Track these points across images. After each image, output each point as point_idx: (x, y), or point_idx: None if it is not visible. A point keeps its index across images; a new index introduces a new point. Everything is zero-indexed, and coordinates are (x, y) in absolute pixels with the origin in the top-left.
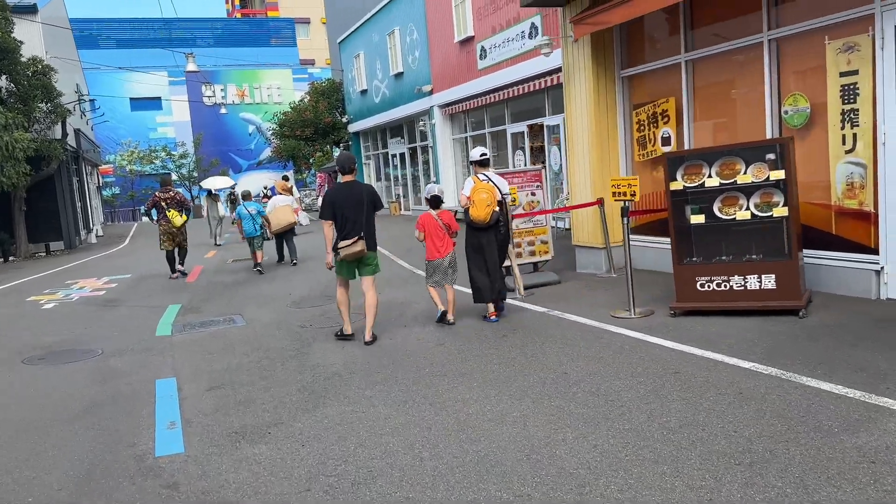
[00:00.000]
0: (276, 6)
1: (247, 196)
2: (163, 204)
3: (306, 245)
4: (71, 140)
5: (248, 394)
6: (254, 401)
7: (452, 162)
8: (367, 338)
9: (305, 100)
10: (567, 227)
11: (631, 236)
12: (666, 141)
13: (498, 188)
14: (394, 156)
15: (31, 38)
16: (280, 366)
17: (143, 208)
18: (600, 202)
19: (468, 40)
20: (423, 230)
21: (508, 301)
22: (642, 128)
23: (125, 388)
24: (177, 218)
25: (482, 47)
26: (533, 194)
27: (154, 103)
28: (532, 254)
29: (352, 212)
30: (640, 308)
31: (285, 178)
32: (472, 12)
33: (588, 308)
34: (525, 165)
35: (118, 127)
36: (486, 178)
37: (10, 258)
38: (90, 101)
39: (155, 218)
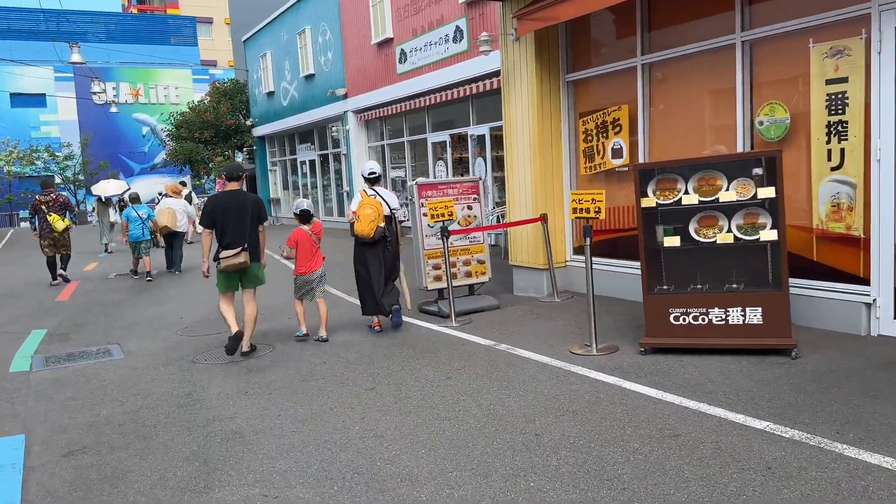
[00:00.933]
0: (177, 4)
1: (135, 199)
2: (43, 208)
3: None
4: None
5: (118, 464)
6: (125, 475)
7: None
8: (245, 348)
9: (206, 100)
10: (494, 242)
11: (573, 256)
12: (617, 153)
13: (387, 203)
14: (303, 163)
15: None
16: (164, 419)
17: (27, 214)
18: (543, 218)
19: (386, 42)
20: (294, 246)
21: (445, 332)
22: (589, 138)
23: None
24: (58, 222)
25: (402, 50)
26: (469, 208)
27: (37, 100)
28: (468, 274)
29: (236, 222)
30: (602, 343)
31: (182, 184)
32: (391, 13)
33: (539, 341)
34: (447, 176)
35: None
36: (374, 193)
37: None
38: None
39: (36, 223)
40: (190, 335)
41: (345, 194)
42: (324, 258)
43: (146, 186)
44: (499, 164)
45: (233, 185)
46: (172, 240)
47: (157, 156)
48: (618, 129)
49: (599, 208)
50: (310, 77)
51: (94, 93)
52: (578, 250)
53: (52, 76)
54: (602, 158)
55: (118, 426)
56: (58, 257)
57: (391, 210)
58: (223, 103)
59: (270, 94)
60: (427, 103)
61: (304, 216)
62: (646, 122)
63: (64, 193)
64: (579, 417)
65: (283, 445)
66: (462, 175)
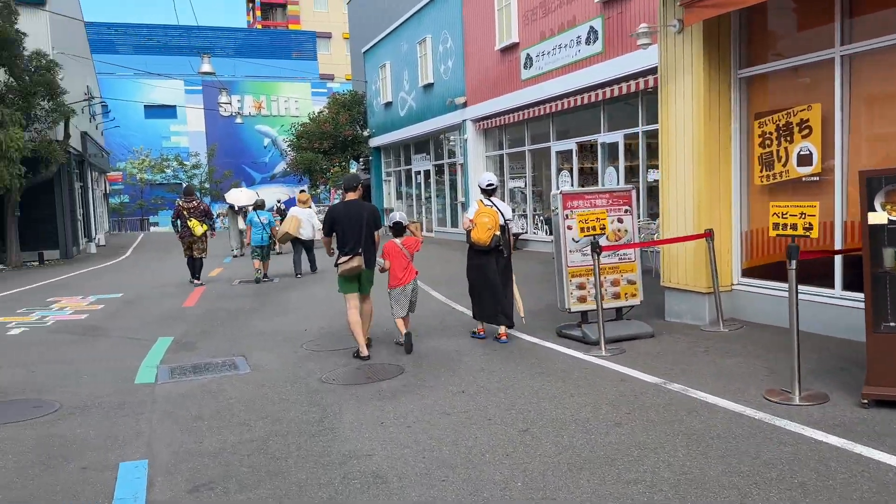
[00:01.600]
0: (298, 19)
1: (260, 205)
2: (185, 213)
3: (329, 263)
4: (76, 143)
5: None
6: None
7: None
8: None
9: (325, 111)
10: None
11: (741, 279)
12: (804, 160)
13: (501, 213)
14: (417, 173)
15: (36, 31)
16: (296, 451)
17: (171, 217)
18: (709, 234)
19: (511, 48)
20: (388, 258)
21: (595, 362)
22: (768, 142)
23: (71, 479)
24: (196, 227)
25: (527, 55)
26: (620, 221)
27: (169, 111)
28: (615, 296)
29: (352, 229)
30: (805, 390)
31: (302, 192)
32: (517, 16)
33: (720, 382)
34: (572, 186)
35: (131, 135)
36: (490, 203)
37: (0, 267)
38: (102, 105)
39: (179, 227)
40: (315, 350)
41: (459, 205)
42: (416, 272)
43: (265, 195)
44: (632, 174)
45: (350, 196)
46: (303, 245)
47: (277, 166)
48: (806, 131)
49: (811, 224)
50: (428, 86)
51: (221, 104)
52: (749, 272)
53: (183, 89)
54: (784, 166)
55: (246, 456)
56: (194, 260)
57: (505, 220)
58: (342, 114)
59: (388, 104)
60: (552, 110)
61: (397, 228)
62: (845, 123)
63: (205, 202)
64: (811, 493)
65: (434, 499)
66: (586, 185)
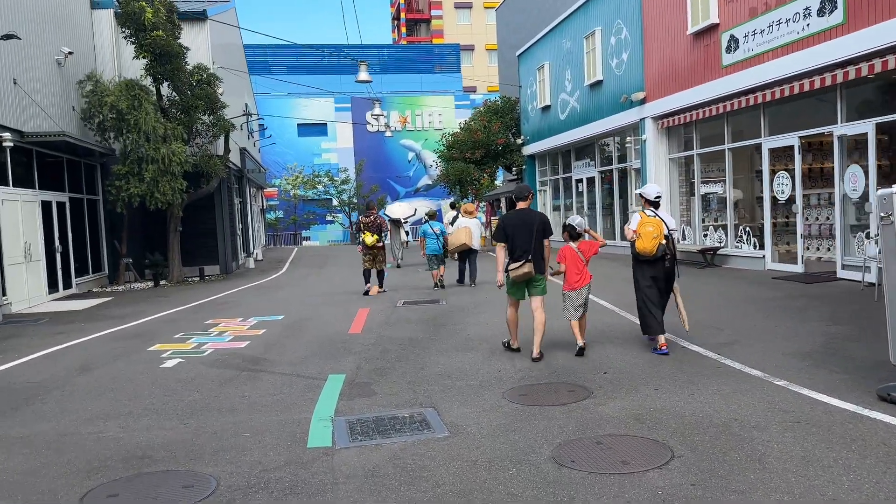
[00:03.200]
0: (442, 33)
1: (433, 216)
2: (362, 226)
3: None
4: (235, 158)
5: None
6: None
7: (667, 188)
8: (535, 354)
9: (477, 119)
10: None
11: None
12: None
13: (665, 223)
14: (579, 181)
15: (197, 45)
16: None
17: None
18: None
19: (708, 30)
20: (564, 262)
21: None
22: None
23: None
24: (368, 238)
25: (731, 37)
26: None
27: (320, 129)
28: None
29: (523, 237)
30: None
31: (469, 203)
32: None
33: None
34: (787, 193)
35: (285, 152)
36: (653, 213)
37: (162, 282)
38: (260, 124)
39: (360, 239)
40: (524, 403)
41: (632, 215)
42: (591, 276)
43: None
44: (884, 175)
45: (521, 205)
46: (468, 255)
47: (421, 179)
48: None
49: None
50: (596, 84)
51: (374, 115)
52: None
53: (333, 106)
54: None
55: None
56: (373, 272)
57: (669, 230)
58: (494, 122)
59: (546, 108)
60: (766, 99)
61: (571, 232)
62: None
63: (382, 216)
64: None
65: None
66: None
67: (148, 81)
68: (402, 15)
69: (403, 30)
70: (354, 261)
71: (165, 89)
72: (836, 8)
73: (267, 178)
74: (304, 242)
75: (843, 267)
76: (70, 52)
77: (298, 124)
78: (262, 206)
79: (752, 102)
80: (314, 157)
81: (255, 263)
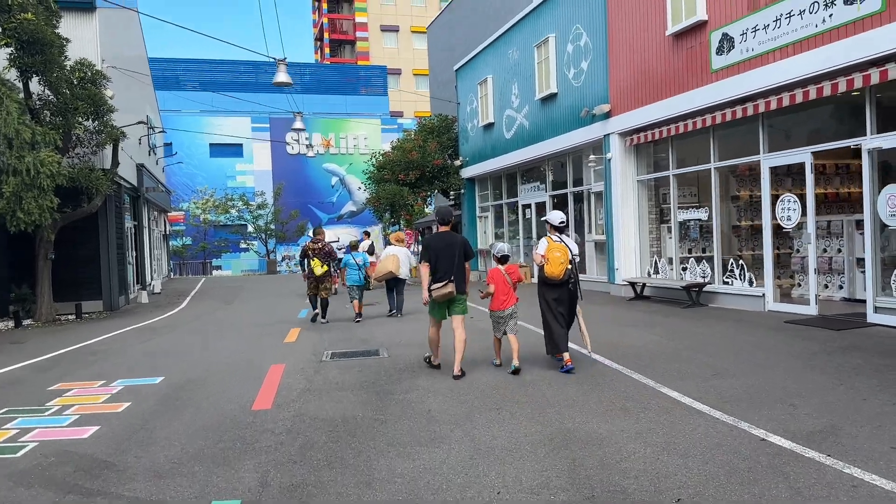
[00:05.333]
0: (368, 55)
1: (354, 246)
2: (309, 252)
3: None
4: (128, 174)
5: None
6: None
7: (635, 214)
8: (456, 371)
9: (411, 139)
10: None
11: None
12: None
13: (570, 249)
14: (527, 206)
15: (82, 39)
16: None
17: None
18: None
19: (694, 29)
20: (492, 283)
21: None
22: None
23: None
24: (317, 267)
25: (724, 36)
26: None
27: (235, 150)
28: None
29: (446, 258)
30: None
31: (367, 234)
32: None
33: None
34: (795, 219)
35: (195, 173)
36: (559, 239)
37: (26, 322)
38: (166, 144)
39: (305, 266)
40: None
41: (593, 245)
42: (517, 299)
43: (332, 237)
44: None
45: (444, 228)
46: (395, 285)
47: (345, 206)
48: None
49: None
50: (549, 98)
51: (296, 129)
52: None
53: (249, 126)
54: None
55: None
56: (318, 300)
57: (573, 255)
58: (430, 141)
59: (488, 126)
60: (767, 108)
61: (503, 258)
62: None
63: (331, 244)
64: None
65: None
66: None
67: (13, 75)
68: (326, 35)
69: (327, 50)
70: (270, 293)
71: (36, 86)
72: None
73: (173, 201)
74: (215, 272)
75: (877, 310)
76: None
77: (211, 144)
78: (166, 231)
79: (749, 112)
80: (228, 179)
81: (150, 297)
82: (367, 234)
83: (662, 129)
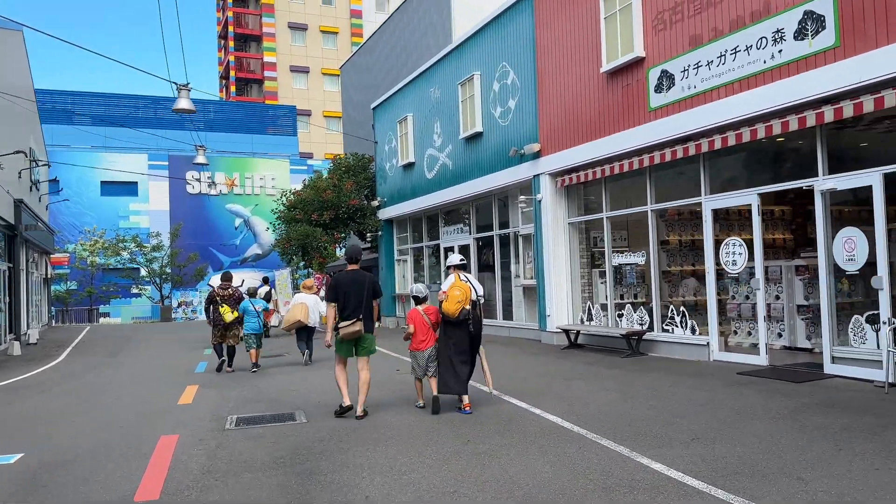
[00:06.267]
0: (276, 95)
1: (253, 293)
2: (217, 298)
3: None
4: (2, 209)
5: None
6: None
7: (567, 258)
8: (359, 412)
9: (326, 178)
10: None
11: None
12: None
13: (474, 289)
14: (449, 249)
15: None
16: None
17: (203, 304)
18: None
19: (630, 67)
20: (412, 324)
21: None
22: None
23: None
24: (228, 314)
25: (663, 73)
26: None
27: (129, 188)
28: None
29: (354, 296)
30: None
31: (265, 280)
32: (642, 22)
33: None
34: (741, 264)
35: (84, 213)
36: (465, 279)
37: None
38: (52, 180)
39: (211, 313)
40: None
41: (521, 290)
42: (436, 338)
43: (236, 282)
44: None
45: (352, 267)
46: (305, 333)
47: (250, 248)
48: None
49: None
50: (474, 137)
51: (197, 163)
52: None
53: (146, 163)
54: None
55: None
56: (225, 348)
57: (477, 296)
58: (346, 180)
59: (408, 166)
60: (711, 147)
61: (417, 300)
62: None
63: (240, 289)
64: None
65: None
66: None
67: None
68: (233, 73)
69: (233, 89)
70: (164, 343)
71: None
72: (823, 28)
73: (57, 242)
74: (102, 319)
75: (834, 360)
76: None
77: (103, 182)
78: (47, 275)
79: (691, 152)
80: (120, 219)
81: (23, 349)
82: (266, 279)
83: (596, 170)
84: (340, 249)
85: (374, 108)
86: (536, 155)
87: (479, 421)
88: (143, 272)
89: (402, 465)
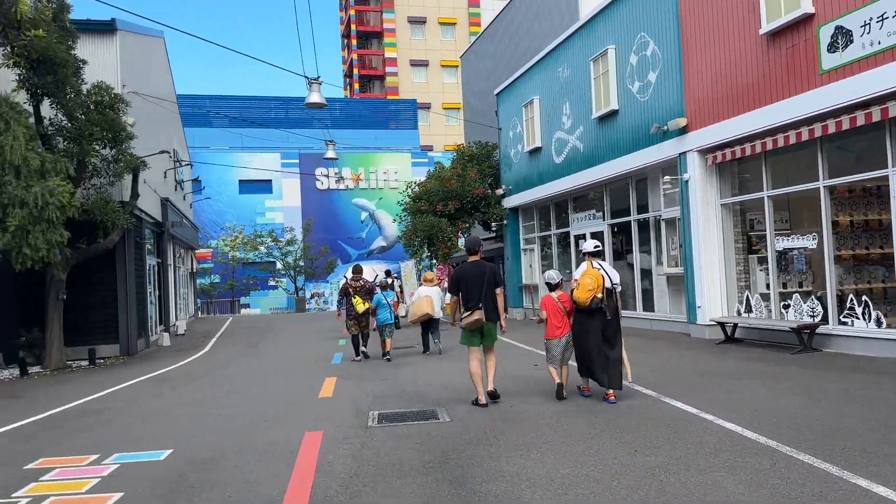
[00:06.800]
0: (397, 90)
1: (385, 286)
2: (350, 290)
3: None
4: (151, 208)
5: None
6: None
7: (719, 243)
8: (490, 387)
9: (444, 167)
10: None
11: None
12: None
13: (608, 277)
14: (580, 237)
15: (103, 62)
16: None
17: (337, 296)
18: None
19: (796, 26)
20: (545, 310)
21: None
22: None
23: None
24: (359, 305)
25: (838, 30)
26: None
27: (264, 186)
28: None
29: (475, 287)
30: None
31: (388, 273)
32: None
33: None
34: None
35: (225, 210)
36: (598, 266)
37: (34, 369)
38: (194, 180)
39: (343, 304)
40: None
41: (665, 278)
42: (571, 326)
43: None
44: None
45: (473, 258)
46: (430, 325)
47: (375, 241)
48: None
49: None
50: (608, 116)
51: (328, 157)
52: None
53: (279, 162)
54: None
55: None
56: (360, 336)
57: (612, 284)
58: (470, 169)
59: (534, 151)
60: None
61: (550, 286)
62: None
63: (371, 281)
64: None
65: None
66: None
67: (23, 98)
68: (356, 71)
69: (356, 86)
70: (300, 334)
71: (48, 110)
72: None
73: (201, 238)
74: (243, 310)
75: None
76: None
77: (240, 181)
78: (193, 269)
79: (875, 118)
80: (257, 216)
81: (173, 339)
82: (389, 272)
83: (755, 144)
84: (463, 240)
85: (497, 94)
86: (682, 131)
87: (640, 426)
88: (279, 265)
89: (563, 478)
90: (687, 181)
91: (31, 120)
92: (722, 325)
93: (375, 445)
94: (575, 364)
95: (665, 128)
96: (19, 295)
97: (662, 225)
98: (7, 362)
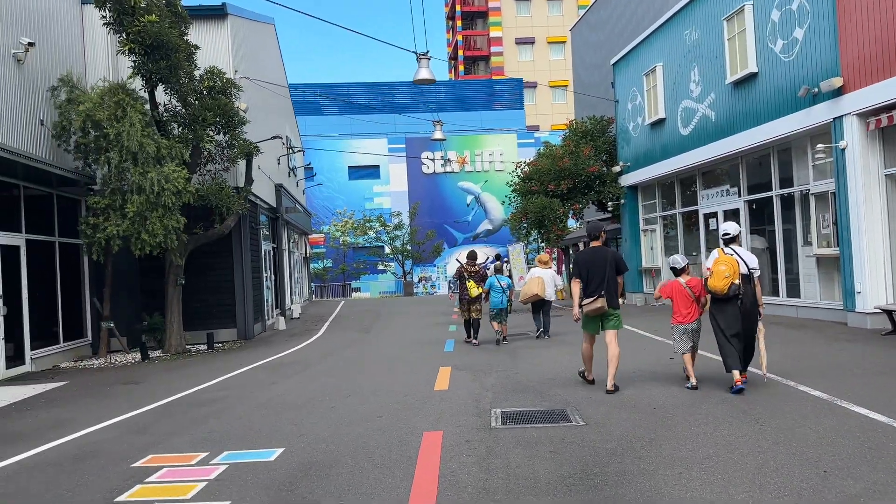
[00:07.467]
0: (502, 70)
1: (499, 270)
2: (465, 275)
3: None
4: (266, 194)
5: None
6: None
7: (882, 219)
8: (609, 387)
9: (562, 144)
10: None
11: None
12: None
13: (744, 262)
14: (710, 216)
15: (215, 47)
16: None
17: (452, 279)
18: None
19: None
20: (667, 296)
21: None
22: None
23: None
24: (473, 289)
25: None
26: None
27: (372, 171)
28: None
29: (597, 273)
30: None
31: (497, 257)
32: None
33: None
34: None
35: (335, 196)
36: (731, 251)
37: (155, 353)
38: (306, 167)
39: (456, 287)
40: None
41: (815, 260)
42: (701, 312)
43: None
44: None
45: (595, 243)
46: (542, 307)
47: (481, 225)
48: None
49: None
50: (746, 80)
51: (435, 139)
52: None
53: (386, 147)
54: None
55: None
56: (471, 323)
57: (749, 269)
58: (583, 146)
59: (657, 123)
60: None
61: (676, 271)
62: None
63: (483, 265)
64: None
65: None
66: None
67: (138, 84)
68: (460, 52)
69: (461, 68)
70: (410, 318)
71: (162, 96)
72: None
73: (313, 224)
74: (354, 294)
75: None
76: (31, 44)
77: (349, 167)
78: (307, 254)
79: None
80: (365, 201)
81: (288, 323)
82: (499, 255)
83: None
84: (576, 222)
85: (613, 64)
86: (837, 92)
87: (822, 439)
88: (387, 250)
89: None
90: (843, 150)
91: (147, 106)
92: (889, 313)
93: (503, 452)
94: (707, 353)
95: (815, 90)
96: (143, 282)
97: (812, 200)
98: (131, 346)
